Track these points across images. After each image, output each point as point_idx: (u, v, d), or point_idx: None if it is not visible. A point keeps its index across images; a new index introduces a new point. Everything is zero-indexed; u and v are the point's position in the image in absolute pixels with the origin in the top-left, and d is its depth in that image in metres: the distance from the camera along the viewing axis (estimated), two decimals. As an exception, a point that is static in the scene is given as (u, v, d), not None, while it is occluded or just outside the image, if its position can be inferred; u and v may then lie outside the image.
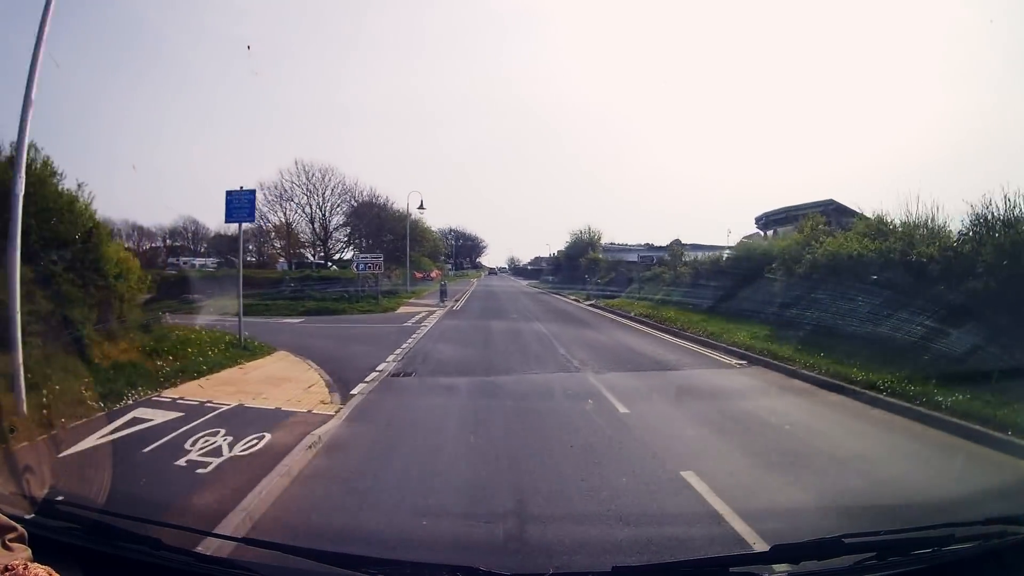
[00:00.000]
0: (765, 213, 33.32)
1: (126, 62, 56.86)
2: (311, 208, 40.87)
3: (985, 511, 1.98)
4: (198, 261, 43.23)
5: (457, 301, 26.92)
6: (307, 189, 40.23)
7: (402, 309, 22.26)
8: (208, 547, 2.42)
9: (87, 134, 52.72)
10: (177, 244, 46.62)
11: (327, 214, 41.36)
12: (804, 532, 3.53)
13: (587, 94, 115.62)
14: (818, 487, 4.43)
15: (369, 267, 24.84)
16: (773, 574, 1.61)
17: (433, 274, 47.68)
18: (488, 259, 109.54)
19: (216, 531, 3.23)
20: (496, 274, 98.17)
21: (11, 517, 1.22)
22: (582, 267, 38.87)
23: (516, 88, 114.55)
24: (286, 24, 77.92)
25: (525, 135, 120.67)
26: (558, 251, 58.25)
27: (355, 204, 42.02)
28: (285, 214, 40.84)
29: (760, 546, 3.33)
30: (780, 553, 1.63)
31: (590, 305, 26.49)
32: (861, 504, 4.09)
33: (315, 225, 41.20)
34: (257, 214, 34.96)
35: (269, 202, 39.67)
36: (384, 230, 41.79)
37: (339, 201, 41.38)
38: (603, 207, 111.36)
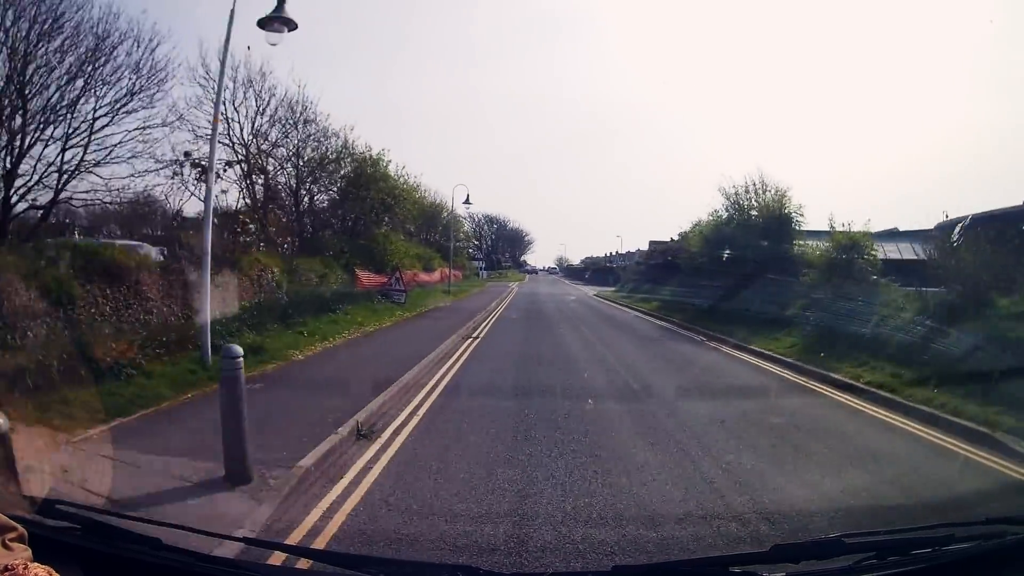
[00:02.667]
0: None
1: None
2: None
3: None
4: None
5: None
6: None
7: None
8: (208, 547, 2.42)
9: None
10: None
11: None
12: None
13: (637, 95, 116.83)
14: None
15: None
16: (773, 574, 1.61)
17: (435, 275, 28.69)
18: (535, 257, 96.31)
19: (218, 529, 3.23)
20: (536, 273, 79.00)
21: (11, 517, 1.22)
22: (773, 269, 16.40)
23: (568, 89, 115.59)
24: (337, 22, 77.62)
25: (576, 135, 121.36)
26: (662, 240, 32.29)
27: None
28: None
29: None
30: (780, 553, 1.63)
31: None
32: None
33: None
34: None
35: None
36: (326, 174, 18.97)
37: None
38: (653, 211, 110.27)
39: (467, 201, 32.06)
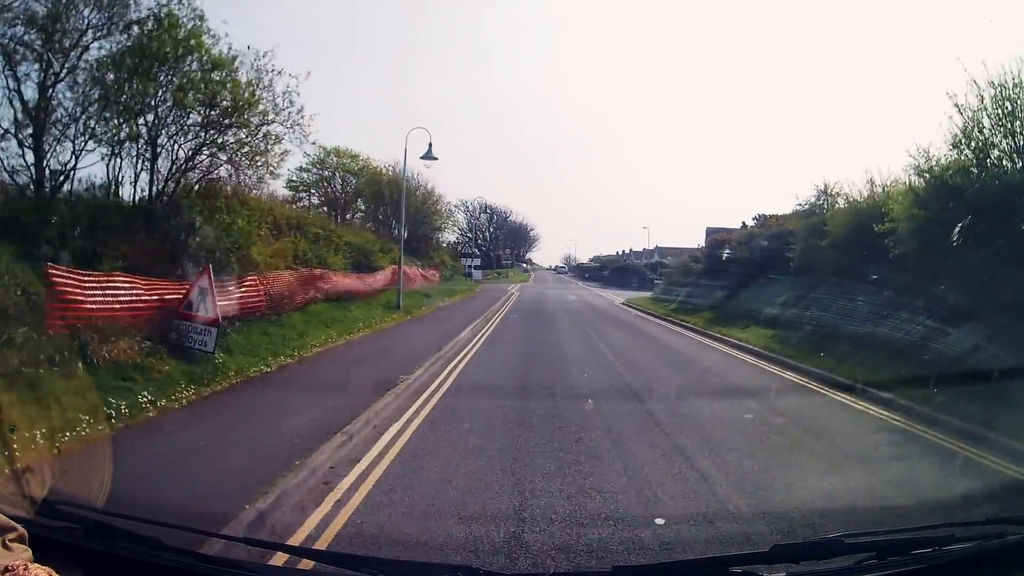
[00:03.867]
0: None
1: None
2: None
3: None
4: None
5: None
6: None
7: None
8: (208, 547, 2.42)
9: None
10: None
11: None
12: None
13: (635, 95, 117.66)
14: None
15: None
16: (773, 574, 1.61)
17: (377, 278, 17.91)
18: (541, 255, 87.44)
19: (218, 530, 3.23)
20: (530, 272, 68.24)
21: (11, 517, 1.22)
22: None
23: (569, 87, 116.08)
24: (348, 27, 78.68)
25: (580, 135, 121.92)
26: (728, 228, 26.36)
27: None
28: None
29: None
30: (780, 552, 1.63)
31: None
32: None
33: None
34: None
35: None
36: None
37: None
38: (661, 211, 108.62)
39: (428, 155, 17.25)
